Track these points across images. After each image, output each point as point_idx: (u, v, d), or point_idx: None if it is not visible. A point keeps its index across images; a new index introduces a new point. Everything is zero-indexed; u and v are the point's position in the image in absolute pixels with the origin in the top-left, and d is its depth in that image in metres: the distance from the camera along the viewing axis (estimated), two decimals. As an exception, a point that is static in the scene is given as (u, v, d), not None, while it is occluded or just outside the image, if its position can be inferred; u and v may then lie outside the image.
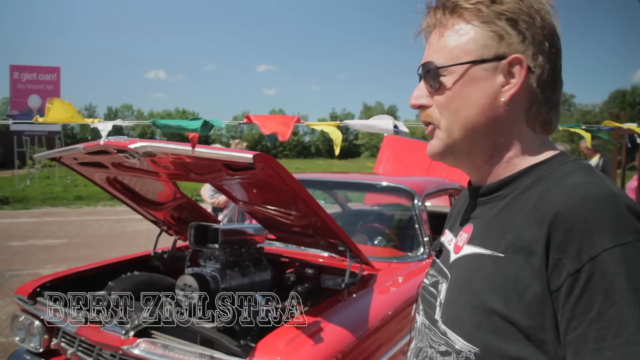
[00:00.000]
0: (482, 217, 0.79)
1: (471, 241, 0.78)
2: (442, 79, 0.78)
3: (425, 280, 0.91)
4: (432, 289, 0.86)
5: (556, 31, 0.78)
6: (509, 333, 0.66)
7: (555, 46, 0.77)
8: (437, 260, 0.89)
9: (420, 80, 0.82)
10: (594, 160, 6.46)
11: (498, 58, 0.75)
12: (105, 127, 1.77)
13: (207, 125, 1.91)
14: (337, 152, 1.87)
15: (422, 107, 0.82)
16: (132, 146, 1.81)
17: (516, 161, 0.78)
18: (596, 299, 0.60)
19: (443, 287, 0.81)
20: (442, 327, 0.76)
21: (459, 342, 0.71)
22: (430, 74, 0.79)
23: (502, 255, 0.70)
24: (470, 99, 0.77)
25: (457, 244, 0.83)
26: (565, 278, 0.62)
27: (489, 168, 0.80)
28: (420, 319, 0.88)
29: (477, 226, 0.79)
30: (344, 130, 2.04)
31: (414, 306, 0.97)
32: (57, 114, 1.84)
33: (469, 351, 0.69)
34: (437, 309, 0.80)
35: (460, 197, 0.99)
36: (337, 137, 1.88)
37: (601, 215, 0.63)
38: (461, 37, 0.77)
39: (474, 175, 0.85)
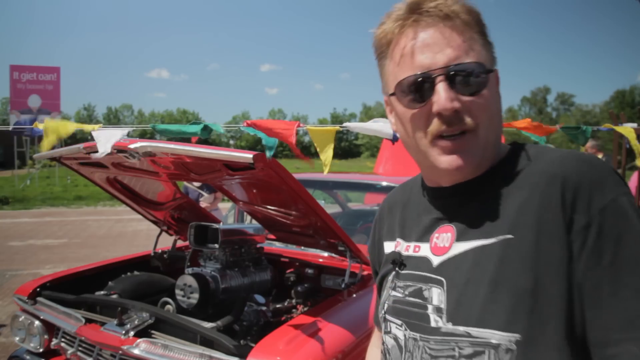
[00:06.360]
0: (466, 212, 0.78)
1: (462, 237, 0.76)
2: (484, 81, 0.74)
3: (395, 294, 0.85)
4: (413, 299, 0.81)
5: None
6: (546, 308, 0.66)
7: None
8: (406, 271, 0.84)
9: (438, 82, 0.73)
10: None
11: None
12: (106, 136, 1.80)
13: (206, 129, 1.94)
14: (325, 172, 1.87)
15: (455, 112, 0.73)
16: (132, 146, 1.81)
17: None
18: (607, 248, 0.64)
19: (434, 292, 0.77)
20: (461, 329, 0.71)
21: (496, 336, 0.68)
22: (474, 75, 0.73)
23: (512, 236, 0.71)
24: (497, 104, 0.79)
25: (438, 245, 0.80)
26: (577, 234, 0.66)
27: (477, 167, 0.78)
28: (398, 334, 0.82)
29: (463, 222, 0.77)
30: (344, 131, 2.06)
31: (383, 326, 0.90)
32: (55, 133, 1.95)
33: (509, 341, 0.67)
34: (434, 315, 0.75)
35: (398, 204, 0.95)
36: (326, 157, 1.89)
37: (600, 172, 0.70)
38: (476, 44, 0.75)
39: (454, 178, 0.79)
